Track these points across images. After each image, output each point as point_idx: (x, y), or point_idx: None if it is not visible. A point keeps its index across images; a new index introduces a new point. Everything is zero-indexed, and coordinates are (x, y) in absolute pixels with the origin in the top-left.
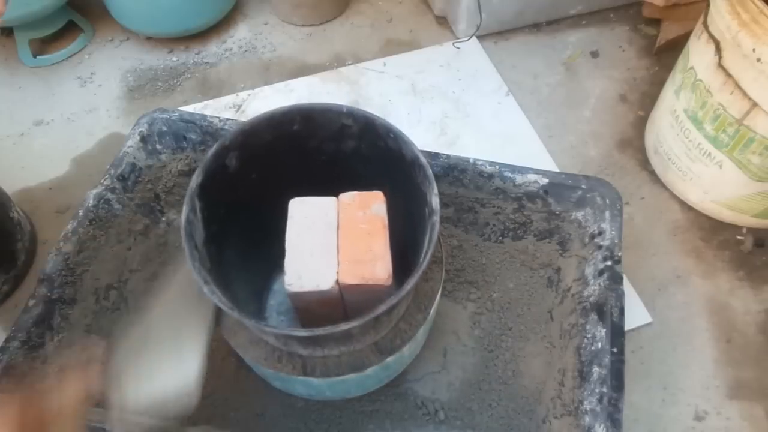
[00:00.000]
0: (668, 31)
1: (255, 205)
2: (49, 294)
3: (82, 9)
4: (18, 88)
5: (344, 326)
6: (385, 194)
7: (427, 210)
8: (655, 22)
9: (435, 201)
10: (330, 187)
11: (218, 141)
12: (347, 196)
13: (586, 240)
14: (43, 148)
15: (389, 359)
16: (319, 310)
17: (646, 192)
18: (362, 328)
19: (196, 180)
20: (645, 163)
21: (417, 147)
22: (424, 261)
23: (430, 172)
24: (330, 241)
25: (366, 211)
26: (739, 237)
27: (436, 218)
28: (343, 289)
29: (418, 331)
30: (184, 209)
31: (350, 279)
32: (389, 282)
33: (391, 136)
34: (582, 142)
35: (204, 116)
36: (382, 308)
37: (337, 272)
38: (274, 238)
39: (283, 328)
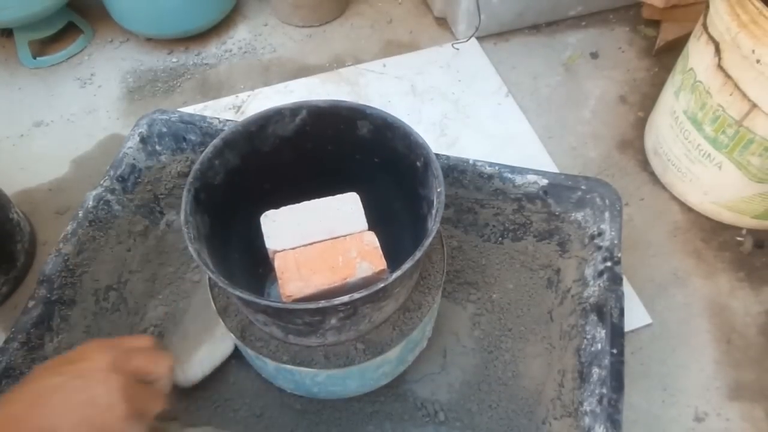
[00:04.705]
0: (668, 33)
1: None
2: (48, 295)
3: (82, 10)
4: (18, 89)
5: (323, 304)
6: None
7: (432, 209)
8: (655, 24)
9: (440, 198)
10: (333, 189)
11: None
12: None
13: (586, 241)
14: (42, 149)
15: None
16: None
17: (645, 193)
18: (346, 313)
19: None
20: (645, 164)
21: (429, 148)
22: (427, 241)
23: (440, 172)
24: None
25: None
26: (739, 238)
27: (438, 218)
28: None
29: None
30: (184, 195)
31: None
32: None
33: (399, 132)
34: (582, 143)
35: (204, 117)
36: (380, 285)
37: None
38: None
39: (256, 296)
